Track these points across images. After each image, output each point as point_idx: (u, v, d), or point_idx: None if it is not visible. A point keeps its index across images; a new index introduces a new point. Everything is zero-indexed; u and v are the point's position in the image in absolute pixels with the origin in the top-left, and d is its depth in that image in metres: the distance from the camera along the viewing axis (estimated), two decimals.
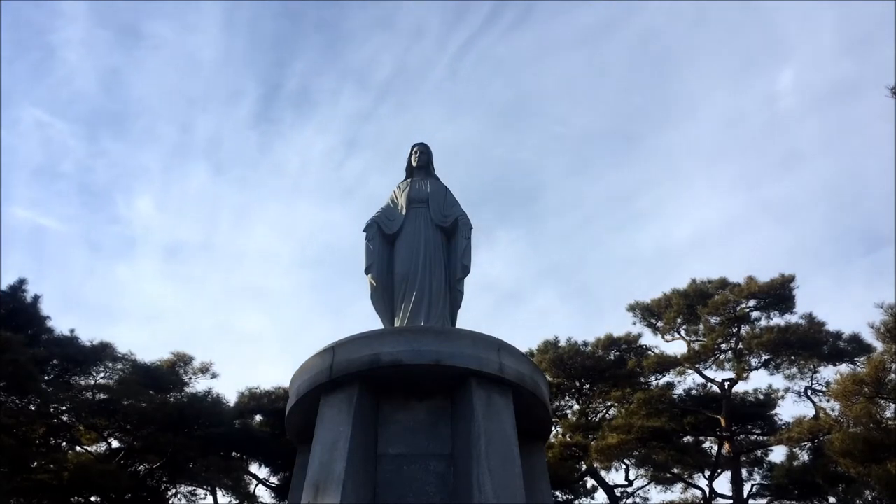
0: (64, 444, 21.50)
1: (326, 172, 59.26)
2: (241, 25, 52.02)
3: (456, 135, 55.07)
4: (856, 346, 22.88)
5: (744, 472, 23.99)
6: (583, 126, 53.79)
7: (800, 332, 23.14)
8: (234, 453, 22.92)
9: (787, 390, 24.22)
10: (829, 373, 23.16)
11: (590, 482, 25.87)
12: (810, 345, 23.06)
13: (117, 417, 20.84)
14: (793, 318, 23.90)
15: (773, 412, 24.44)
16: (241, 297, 56.80)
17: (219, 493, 23.35)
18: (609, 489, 25.28)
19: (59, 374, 21.37)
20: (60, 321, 55.78)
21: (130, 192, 55.55)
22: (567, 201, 56.82)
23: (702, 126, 50.85)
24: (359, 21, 51.74)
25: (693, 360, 24.54)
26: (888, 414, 17.56)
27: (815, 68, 48.27)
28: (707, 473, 24.39)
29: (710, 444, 25.14)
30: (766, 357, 23.89)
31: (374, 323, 8.54)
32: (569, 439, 24.48)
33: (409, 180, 9.25)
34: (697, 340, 25.09)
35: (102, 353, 21.72)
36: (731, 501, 23.70)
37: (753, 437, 24.73)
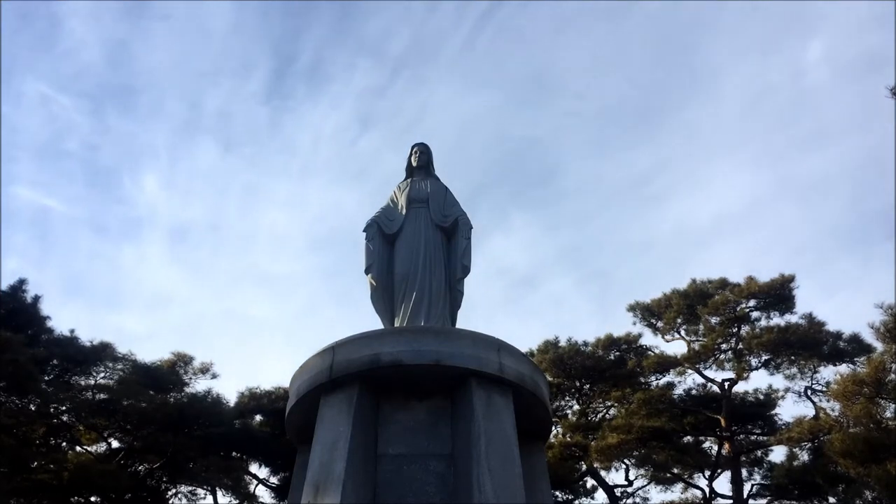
0: (64, 444, 21.51)
1: (339, 150, 57.44)
2: None
3: (472, 111, 53.37)
4: (856, 346, 22.88)
5: (744, 472, 23.99)
6: (602, 102, 51.94)
7: (800, 332, 23.14)
8: (234, 453, 22.92)
9: (787, 390, 24.27)
10: (829, 373, 23.19)
11: (590, 482, 25.89)
12: (810, 345, 23.06)
13: (117, 417, 20.83)
14: (793, 318, 23.95)
15: (773, 412, 24.46)
16: (248, 283, 55.32)
17: (219, 493, 23.36)
18: (609, 489, 25.28)
19: (59, 374, 21.37)
20: (64, 307, 54.49)
21: (137, 171, 54.04)
22: (584, 182, 54.97)
23: (726, 101, 48.62)
24: None
25: (693, 360, 24.53)
26: (888, 414, 17.58)
27: (845, 40, 45.53)
28: (707, 473, 24.40)
29: (710, 444, 25.15)
30: (766, 357, 23.88)
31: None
32: (569, 439, 24.47)
33: (408, 180, 9.26)
34: (697, 340, 25.10)
35: (102, 353, 21.73)
36: (731, 501, 23.70)
37: (753, 437, 24.73)
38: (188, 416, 21.00)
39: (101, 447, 21.95)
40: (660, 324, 25.86)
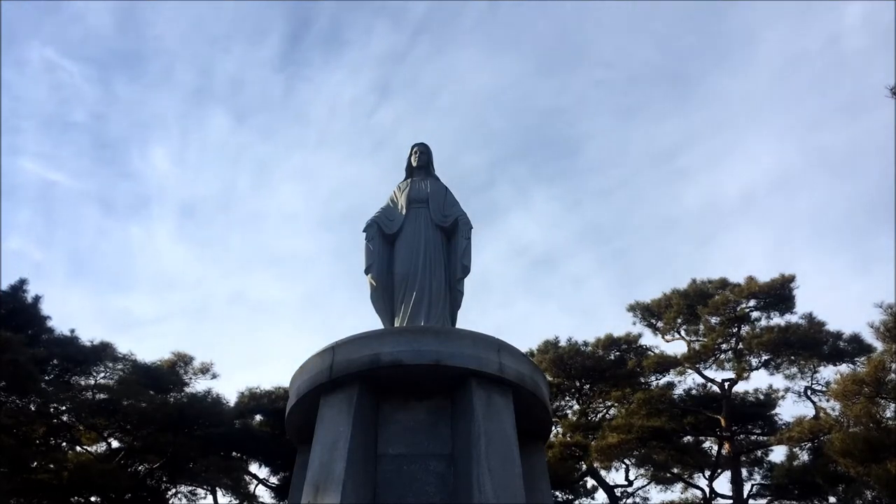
0: (64, 444, 21.50)
1: (355, 121, 54.58)
2: None
3: (494, 79, 50.85)
4: (856, 346, 22.88)
5: (744, 472, 23.99)
6: (629, 70, 49.22)
7: (800, 332, 23.14)
8: (234, 453, 22.92)
9: (787, 390, 24.27)
10: (829, 373, 23.19)
11: (590, 482, 25.88)
12: (810, 345, 23.06)
13: (117, 417, 20.83)
14: (793, 318, 23.95)
15: (773, 412, 24.45)
16: (258, 264, 53.45)
17: (219, 493, 23.37)
18: (609, 489, 25.28)
19: (59, 374, 21.37)
20: (70, 291, 52.23)
21: (145, 143, 51.88)
22: (608, 155, 52.26)
23: (759, 68, 46.26)
24: None
25: (693, 360, 24.53)
26: (888, 414, 17.58)
27: (884, 4, 42.93)
28: (707, 473, 24.41)
29: (710, 444, 25.15)
30: (766, 357, 23.88)
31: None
32: (569, 439, 24.48)
33: (408, 180, 9.27)
34: (697, 340, 25.09)
35: (102, 353, 21.73)
36: (731, 501, 23.70)
37: (753, 437, 24.73)
38: (188, 416, 21.01)
39: (101, 447, 21.95)
40: (660, 324, 25.86)
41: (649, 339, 26.06)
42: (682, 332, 25.65)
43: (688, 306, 25.02)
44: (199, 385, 23.42)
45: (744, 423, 24.59)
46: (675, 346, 25.68)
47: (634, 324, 26.10)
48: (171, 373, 23.08)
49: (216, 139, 52.97)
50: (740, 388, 24.50)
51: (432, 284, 8.35)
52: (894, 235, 38.55)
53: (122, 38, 48.07)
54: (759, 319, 24.39)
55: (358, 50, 53.04)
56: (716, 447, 24.58)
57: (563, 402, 26.48)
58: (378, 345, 6.73)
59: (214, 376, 23.77)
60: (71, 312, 54.39)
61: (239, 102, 53.30)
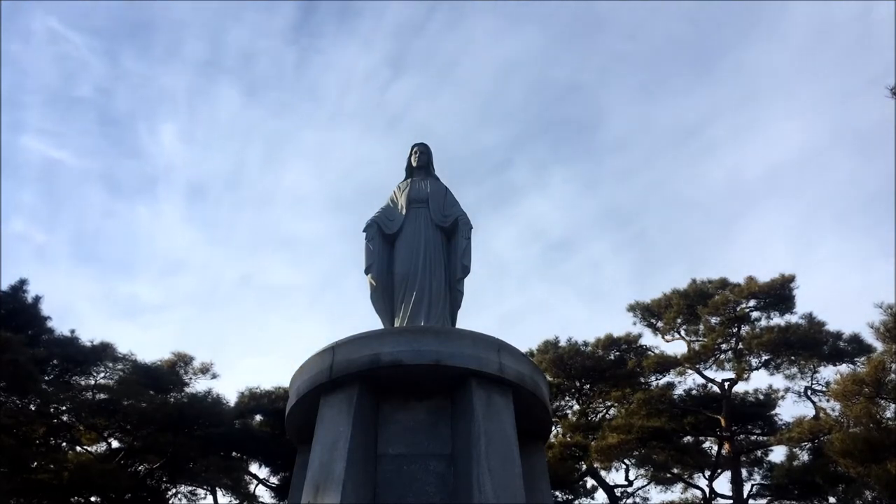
0: (64, 444, 21.51)
1: (369, 96, 52.69)
2: None
3: (513, 52, 49.14)
4: (856, 346, 22.88)
5: (744, 472, 23.99)
6: (653, 43, 47.56)
7: (800, 332, 23.14)
8: (234, 453, 22.92)
9: (787, 390, 24.26)
10: (829, 373, 23.19)
11: (590, 482, 25.88)
12: (810, 345, 23.06)
13: (117, 417, 20.83)
14: (793, 318, 23.95)
15: (773, 412, 24.46)
16: (267, 247, 52.03)
17: (219, 493, 23.37)
18: (609, 489, 25.28)
19: (59, 374, 21.37)
20: (74, 277, 50.94)
21: (153, 119, 50.32)
22: (630, 132, 50.39)
23: (787, 40, 44.94)
24: None
25: (693, 360, 24.54)
26: (888, 414, 17.58)
27: None
28: (707, 473, 24.40)
29: (710, 444, 25.15)
30: (766, 357, 23.88)
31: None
32: (569, 439, 24.48)
33: (408, 180, 9.29)
34: (697, 340, 25.10)
35: (102, 353, 21.74)
36: (731, 501, 23.70)
37: (753, 437, 24.73)
38: (188, 416, 21.01)
39: (101, 447, 21.95)
40: (660, 324, 25.86)
41: (649, 339, 26.13)
42: (682, 332, 25.66)
43: (688, 306, 25.03)
44: (199, 385, 23.48)
45: (744, 423, 24.59)
46: (675, 346, 25.74)
47: (634, 324, 26.15)
48: (171, 373, 23.10)
49: (226, 115, 51.19)
50: (740, 388, 24.55)
51: (432, 284, 8.36)
52: (894, 232, 38.34)
53: (130, 7, 46.09)
54: (759, 319, 24.41)
55: (372, 21, 50.74)
56: (716, 447, 24.58)
57: (563, 402, 26.49)
58: (378, 345, 6.73)
59: (214, 376, 23.84)
60: (75, 299, 52.53)
61: (250, 76, 51.45)
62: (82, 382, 21.75)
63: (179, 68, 49.19)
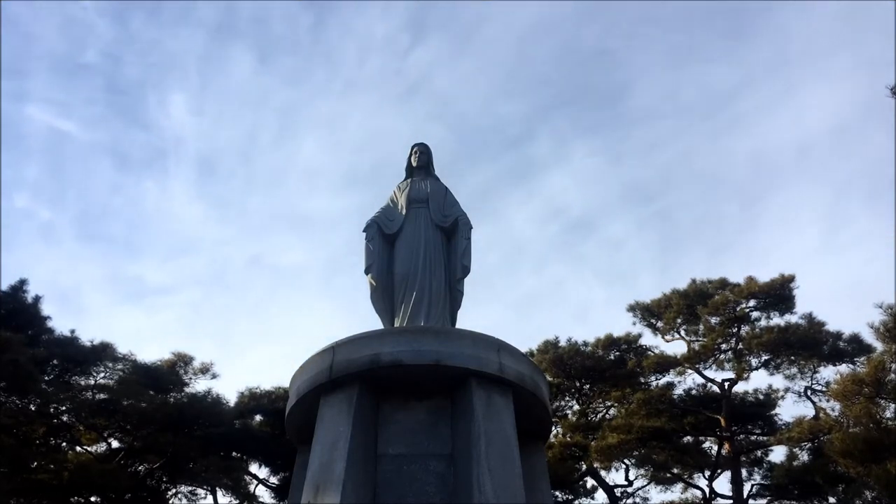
0: (64, 444, 21.51)
1: (387, 63, 50.45)
2: None
3: (538, 18, 46.62)
4: (856, 346, 22.87)
5: (744, 472, 23.98)
6: (685, 6, 45.38)
7: (800, 332, 23.14)
8: (234, 453, 22.93)
9: (787, 390, 24.25)
10: (829, 373, 23.18)
11: (590, 482, 25.88)
12: (810, 345, 23.06)
13: (117, 417, 20.83)
14: (793, 318, 23.94)
15: (773, 412, 24.45)
16: (280, 225, 50.20)
17: (219, 493, 23.37)
18: (609, 489, 25.28)
19: (59, 374, 21.37)
20: (80, 259, 49.00)
21: (162, 88, 48.10)
22: (656, 103, 48.18)
23: (824, 3, 42.95)
24: None
25: (693, 360, 24.54)
26: (888, 414, 17.56)
27: None
28: (707, 473, 24.39)
29: (710, 444, 25.14)
30: (766, 357, 23.88)
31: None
32: (569, 439, 24.48)
33: (408, 180, 9.31)
34: (697, 340, 25.09)
35: (102, 353, 21.74)
36: (731, 501, 23.70)
37: (753, 437, 24.73)
38: (188, 416, 21.01)
39: (101, 447, 21.95)
40: (660, 324, 25.86)
41: (649, 339, 26.11)
42: (682, 332, 25.66)
43: (688, 306, 25.03)
44: (199, 385, 23.47)
45: (744, 423, 24.59)
46: (675, 346, 25.73)
47: (634, 324, 26.14)
48: (171, 373, 23.09)
49: (238, 83, 48.54)
50: (740, 388, 24.55)
51: (432, 284, 8.37)
52: (894, 228, 37.91)
53: None
54: (758, 319, 24.40)
55: None
56: (716, 447, 24.58)
57: (563, 402, 26.49)
58: (378, 345, 6.73)
59: (214, 376, 23.81)
60: (80, 281, 50.77)
61: (263, 40, 49.06)
62: (82, 382, 21.75)
63: (190, 32, 47.03)
